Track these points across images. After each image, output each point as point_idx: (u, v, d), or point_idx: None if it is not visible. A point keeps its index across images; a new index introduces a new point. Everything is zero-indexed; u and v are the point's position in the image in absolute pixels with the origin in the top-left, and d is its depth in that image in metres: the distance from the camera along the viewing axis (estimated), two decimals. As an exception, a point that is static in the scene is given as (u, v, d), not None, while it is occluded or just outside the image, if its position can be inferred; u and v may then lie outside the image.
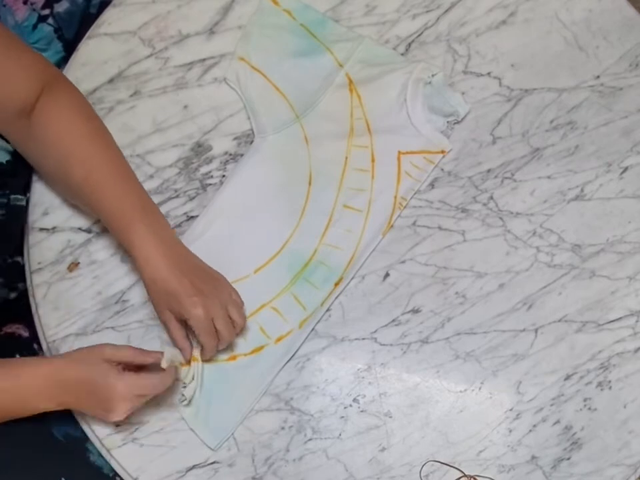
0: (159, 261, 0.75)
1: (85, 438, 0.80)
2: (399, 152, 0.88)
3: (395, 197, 0.87)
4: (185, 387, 0.79)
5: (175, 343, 0.79)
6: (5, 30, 0.75)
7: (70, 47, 0.91)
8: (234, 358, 0.81)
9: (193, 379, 0.79)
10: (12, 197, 0.83)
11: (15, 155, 0.84)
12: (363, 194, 0.87)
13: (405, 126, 0.89)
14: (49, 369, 0.71)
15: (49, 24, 0.89)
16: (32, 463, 0.71)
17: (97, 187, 0.77)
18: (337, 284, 0.84)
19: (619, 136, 0.90)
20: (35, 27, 0.89)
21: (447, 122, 0.90)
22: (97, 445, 0.79)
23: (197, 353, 0.79)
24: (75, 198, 0.82)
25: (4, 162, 0.83)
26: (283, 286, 0.83)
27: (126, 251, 0.79)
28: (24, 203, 0.84)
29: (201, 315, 0.74)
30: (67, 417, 0.79)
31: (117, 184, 0.78)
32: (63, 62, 0.91)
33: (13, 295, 0.85)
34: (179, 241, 0.81)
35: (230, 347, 0.81)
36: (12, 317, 0.85)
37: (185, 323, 0.77)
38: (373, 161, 0.88)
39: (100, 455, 0.80)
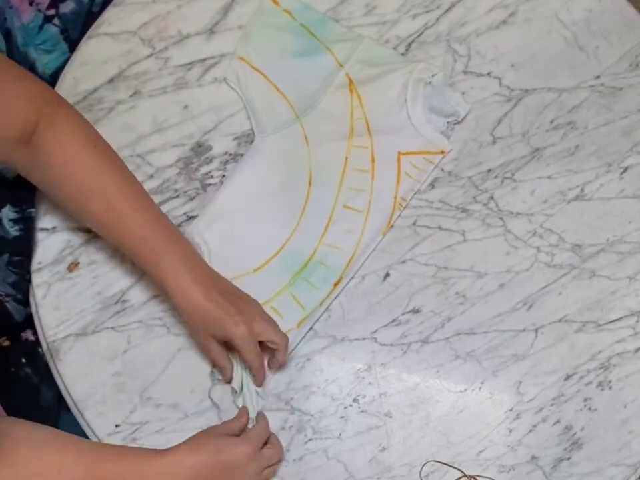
0: (193, 289, 0.74)
1: (85, 437, 0.79)
2: (399, 152, 0.88)
3: (395, 198, 0.87)
4: (236, 393, 0.79)
5: (216, 364, 0.79)
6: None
7: (76, 48, 0.91)
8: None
9: (241, 389, 0.79)
10: (27, 211, 0.82)
11: None
12: (363, 194, 0.87)
13: (405, 126, 0.88)
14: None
15: (55, 25, 0.89)
16: None
17: (119, 220, 0.75)
18: (336, 284, 0.84)
19: (619, 136, 0.90)
20: (40, 27, 0.88)
21: (447, 122, 0.90)
22: (97, 444, 0.79)
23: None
24: (93, 228, 0.80)
25: (16, 176, 0.81)
26: (282, 285, 0.83)
27: (157, 284, 0.77)
28: (33, 214, 0.83)
29: (245, 331, 0.75)
30: (68, 417, 0.79)
31: (138, 214, 0.76)
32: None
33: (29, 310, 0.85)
34: (205, 262, 0.79)
35: None
36: (29, 324, 0.84)
37: (225, 345, 0.78)
38: (373, 161, 0.88)
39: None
